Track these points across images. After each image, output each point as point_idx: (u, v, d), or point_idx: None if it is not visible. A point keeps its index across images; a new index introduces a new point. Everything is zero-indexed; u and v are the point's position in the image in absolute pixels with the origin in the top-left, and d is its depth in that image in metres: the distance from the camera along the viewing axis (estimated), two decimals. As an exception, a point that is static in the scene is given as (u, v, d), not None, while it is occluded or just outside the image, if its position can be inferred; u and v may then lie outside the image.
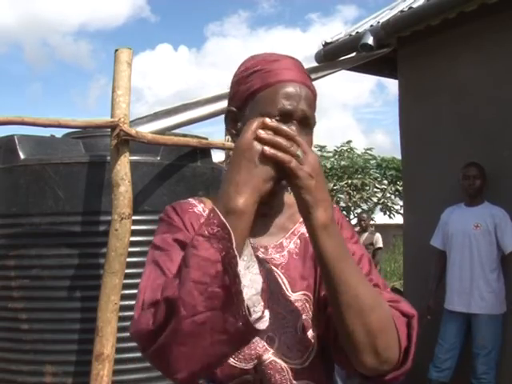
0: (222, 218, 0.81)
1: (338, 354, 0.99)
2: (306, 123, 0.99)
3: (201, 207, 1.06)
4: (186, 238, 0.95)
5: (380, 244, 7.17)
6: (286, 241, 1.07)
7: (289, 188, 1.03)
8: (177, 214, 1.03)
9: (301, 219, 1.09)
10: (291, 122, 0.96)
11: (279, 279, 1.03)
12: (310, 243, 0.93)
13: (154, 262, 0.95)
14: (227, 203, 0.83)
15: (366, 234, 7.06)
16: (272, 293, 1.01)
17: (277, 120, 0.94)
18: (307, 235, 1.07)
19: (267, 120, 0.86)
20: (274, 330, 0.99)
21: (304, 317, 1.03)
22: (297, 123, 0.97)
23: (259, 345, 0.98)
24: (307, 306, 1.03)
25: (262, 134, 0.85)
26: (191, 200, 1.09)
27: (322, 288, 1.05)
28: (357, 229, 6.77)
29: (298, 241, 1.08)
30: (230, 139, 4.10)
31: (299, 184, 0.86)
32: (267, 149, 0.84)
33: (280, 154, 0.84)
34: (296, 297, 1.03)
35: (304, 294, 1.04)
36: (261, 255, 1.03)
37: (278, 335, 1.00)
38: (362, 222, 7.23)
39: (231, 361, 0.97)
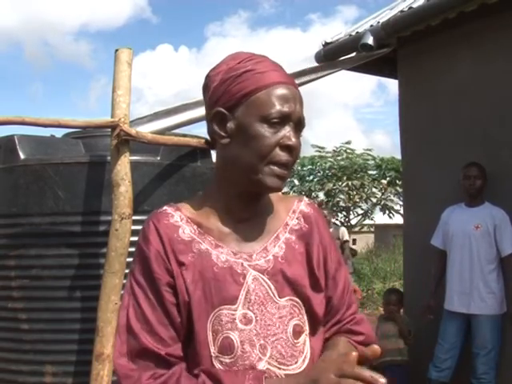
0: None
1: None
2: (300, 125, 1.01)
3: (178, 216, 1.04)
4: (159, 276, 1.00)
5: (346, 237, 7.17)
6: (270, 245, 1.05)
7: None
8: (155, 237, 1.02)
9: (285, 221, 1.09)
10: (288, 123, 0.98)
11: (265, 285, 1.01)
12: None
13: (135, 301, 1.00)
14: None
15: (330, 230, 6.95)
16: (259, 300, 1.00)
17: (275, 122, 0.96)
18: (293, 239, 1.08)
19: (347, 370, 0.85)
20: (265, 337, 0.99)
21: (294, 322, 1.02)
22: (293, 125, 0.99)
23: (252, 354, 0.97)
24: (296, 310, 1.02)
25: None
26: (167, 209, 1.06)
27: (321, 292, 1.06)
28: None
29: (284, 245, 1.06)
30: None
31: None
32: None
33: None
34: (284, 302, 1.02)
35: (291, 300, 1.02)
36: (245, 263, 1.02)
37: (270, 343, 0.99)
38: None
39: None
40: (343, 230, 7.28)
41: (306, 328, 1.03)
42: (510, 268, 3.48)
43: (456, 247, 3.63)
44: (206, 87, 1.05)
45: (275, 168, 0.98)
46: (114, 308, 2.39)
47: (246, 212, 1.05)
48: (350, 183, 12.27)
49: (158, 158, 2.71)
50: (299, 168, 12.29)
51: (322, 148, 12.23)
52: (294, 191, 11.85)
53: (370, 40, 4.05)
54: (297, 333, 1.01)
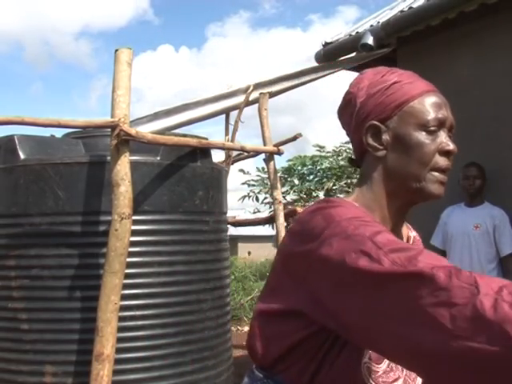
0: None
1: None
2: (452, 131, 1.03)
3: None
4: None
5: None
6: None
7: None
8: (362, 211, 0.93)
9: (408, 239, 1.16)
10: (442, 129, 1.00)
11: None
12: None
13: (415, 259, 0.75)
14: None
15: None
16: None
17: (433, 130, 0.98)
18: None
19: None
20: None
21: None
22: (447, 131, 1.01)
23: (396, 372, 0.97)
24: None
25: None
26: (346, 200, 0.98)
27: None
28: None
29: None
30: (229, 139, 4.10)
31: None
32: None
33: None
34: None
35: None
36: None
37: None
38: (290, 219, 6.40)
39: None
40: None
41: None
42: (508, 268, 3.48)
43: (456, 247, 3.63)
44: (348, 104, 1.05)
45: (437, 174, 0.99)
46: (114, 308, 2.39)
47: (398, 226, 1.07)
48: (349, 181, 12.26)
49: (158, 158, 2.71)
50: (299, 168, 12.29)
51: (322, 147, 12.22)
52: (294, 191, 11.83)
53: (370, 40, 4.06)
54: None
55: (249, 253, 21.31)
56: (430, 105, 0.99)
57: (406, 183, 1.00)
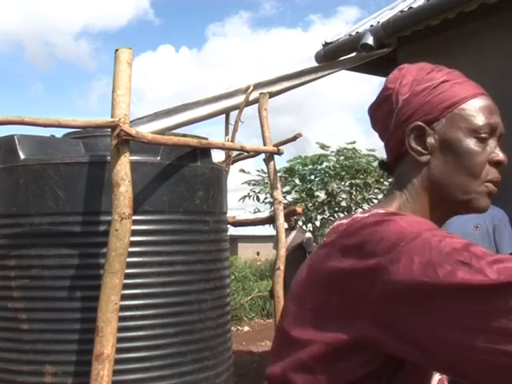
0: None
1: None
2: (500, 139, 0.94)
3: None
4: None
5: (311, 248, 5.83)
6: None
7: None
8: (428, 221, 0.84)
9: None
10: (492, 137, 0.92)
11: None
12: None
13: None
14: None
15: (293, 233, 6.06)
16: None
17: (484, 137, 0.90)
18: None
19: None
20: None
21: None
22: (496, 139, 0.93)
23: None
24: None
25: None
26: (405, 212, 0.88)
27: None
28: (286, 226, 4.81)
29: None
30: (229, 139, 4.10)
31: None
32: None
33: None
34: None
35: None
36: None
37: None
38: (292, 219, 5.84)
39: None
40: (309, 238, 6.14)
41: None
42: None
43: (456, 247, 3.63)
44: (386, 100, 0.94)
45: (490, 185, 0.90)
46: (114, 308, 2.39)
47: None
48: (353, 182, 12.24)
49: (158, 158, 2.71)
50: (300, 168, 12.27)
51: (328, 147, 12.17)
52: (296, 191, 11.82)
53: (370, 40, 4.06)
54: None
55: (258, 253, 21.22)
56: (482, 109, 0.91)
57: (451, 194, 0.90)
